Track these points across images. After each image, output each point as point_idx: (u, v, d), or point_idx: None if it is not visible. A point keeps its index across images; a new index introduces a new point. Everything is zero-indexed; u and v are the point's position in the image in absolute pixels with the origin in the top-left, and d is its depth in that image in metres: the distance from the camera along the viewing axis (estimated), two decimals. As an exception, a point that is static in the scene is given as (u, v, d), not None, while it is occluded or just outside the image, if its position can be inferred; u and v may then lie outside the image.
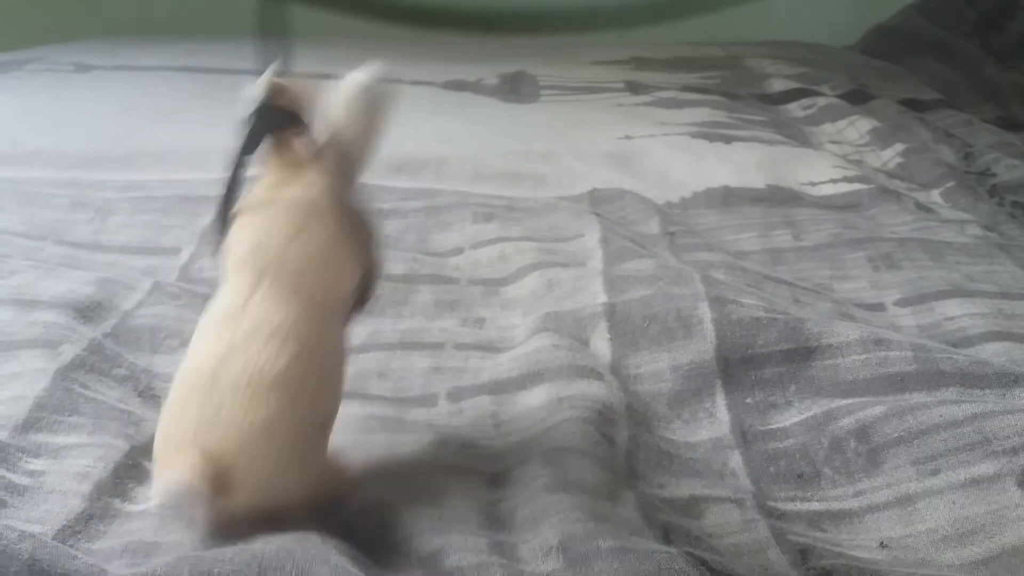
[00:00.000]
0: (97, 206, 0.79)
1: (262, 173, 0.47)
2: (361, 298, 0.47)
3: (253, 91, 0.46)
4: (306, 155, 0.46)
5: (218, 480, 0.40)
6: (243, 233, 0.45)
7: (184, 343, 0.59)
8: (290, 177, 0.46)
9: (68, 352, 0.54)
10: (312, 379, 0.43)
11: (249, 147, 0.46)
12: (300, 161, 0.46)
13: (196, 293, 0.65)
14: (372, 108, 0.47)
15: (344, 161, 0.46)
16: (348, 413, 0.53)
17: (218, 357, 0.42)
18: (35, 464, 0.46)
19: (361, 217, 0.47)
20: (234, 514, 0.41)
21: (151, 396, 0.54)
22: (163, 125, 1.00)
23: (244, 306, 0.43)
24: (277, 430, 0.41)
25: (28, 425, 0.48)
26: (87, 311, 0.59)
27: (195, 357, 0.43)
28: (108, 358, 0.55)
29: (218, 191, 0.46)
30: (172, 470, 0.40)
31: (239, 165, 0.46)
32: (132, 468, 0.47)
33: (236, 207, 0.46)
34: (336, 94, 0.47)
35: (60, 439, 0.47)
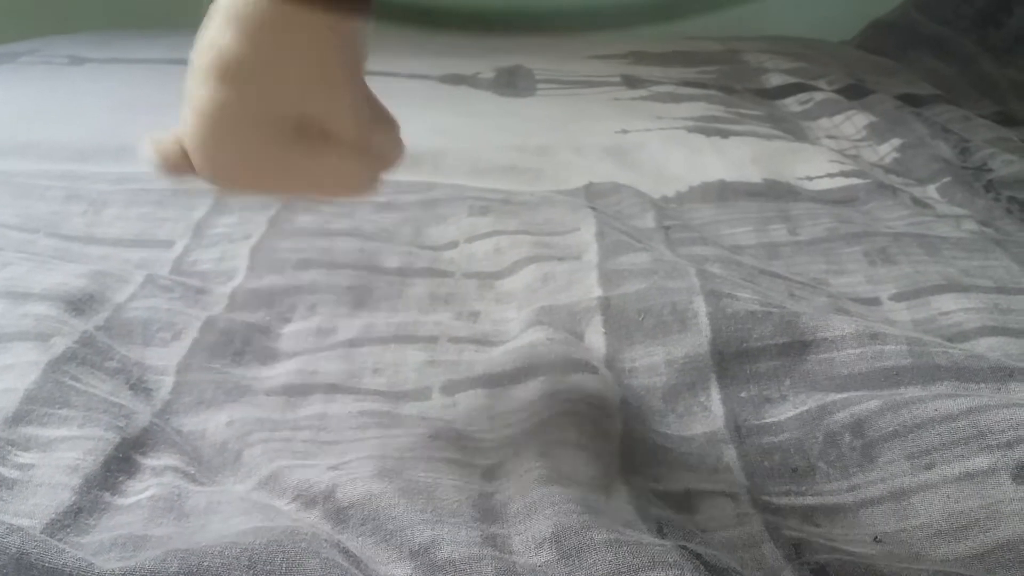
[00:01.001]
0: (91, 199, 0.79)
1: None
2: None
3: None
4: None
5: (179, 157, 0.41)
6: None
7: (176, 336, 0.59)
8: None
9: (59, 344, 0.53)
10: (259, 68, 0.40)
11: None
12: None
13: (189, 286, 0.65)
14: None
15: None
16: (340, 408, 0.53)
17: (199, 37, 0.41)
18: (24, 457, 0.45)
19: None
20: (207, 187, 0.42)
21: (143, 389, 0.54)
22: (157, 118, 0.99)
23: None
24: (218, 115, 0.41)
25: (18, 418, 0.47)
26: (79, 304, 0.59)
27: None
28: (100, 351, 0.55)
29: None
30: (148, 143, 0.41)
31: None
32: (123, 461, 0.46)
33: None
34: None
35: (50, 432, 0.47)
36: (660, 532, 0.42)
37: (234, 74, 0.40)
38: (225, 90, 0.41)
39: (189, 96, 0.42)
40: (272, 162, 0.42)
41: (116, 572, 0.36)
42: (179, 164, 0.43)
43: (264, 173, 0.43)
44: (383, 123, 0.46)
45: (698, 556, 0.39)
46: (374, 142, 0.44)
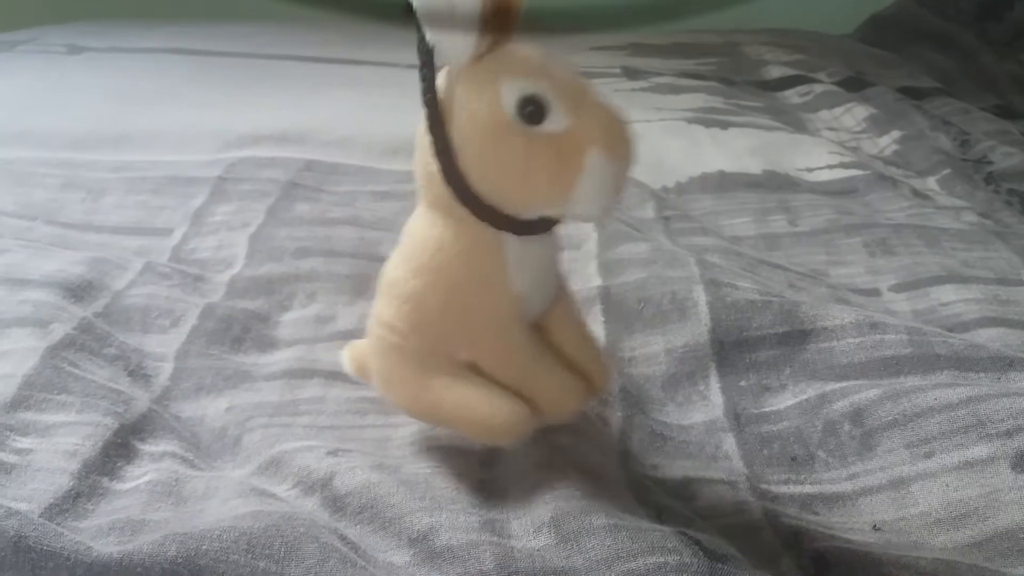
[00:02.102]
0: (89, 186, 0.79)
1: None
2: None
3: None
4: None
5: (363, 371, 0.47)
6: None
7: (175, 323, 0.59)
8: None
9: (58, 331, 0.53)
10: (427, 306, 0.43)
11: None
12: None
13: (187, 273, 0.65)
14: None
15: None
16: (339, 394, 0.53)
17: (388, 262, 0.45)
18: (23, 442, 0.45)
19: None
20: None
21: (141, 375, 0.54)
22: (156, 106, 1.00)
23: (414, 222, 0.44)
24: (379, 346, 0.44)
25: (16, 403, 0.47)
26: (78, 290, 0.59)
27: None
28: (98, 337, 0.55)
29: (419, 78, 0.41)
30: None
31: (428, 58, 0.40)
32: (121, 447, 0.46)
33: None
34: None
35: (48, 417, 0.47)
36: (659, 518, 0.42)
37: (409, 316, 0.43)
38: (401, 333, 0.43)
39: (376, 326, 0.45)
40: (430, 398, 0.44)
41: (114, 556, 0.36)
42: (367, 373, 0.47)
43: (423, 405, 0.44)
44: (574, 355, 0.45)
45: (697, 542, 0.39)
46: (532, 384, 0.43)
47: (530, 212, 0.41)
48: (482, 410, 0.42)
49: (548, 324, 0.44)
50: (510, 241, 0.41)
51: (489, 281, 0.42)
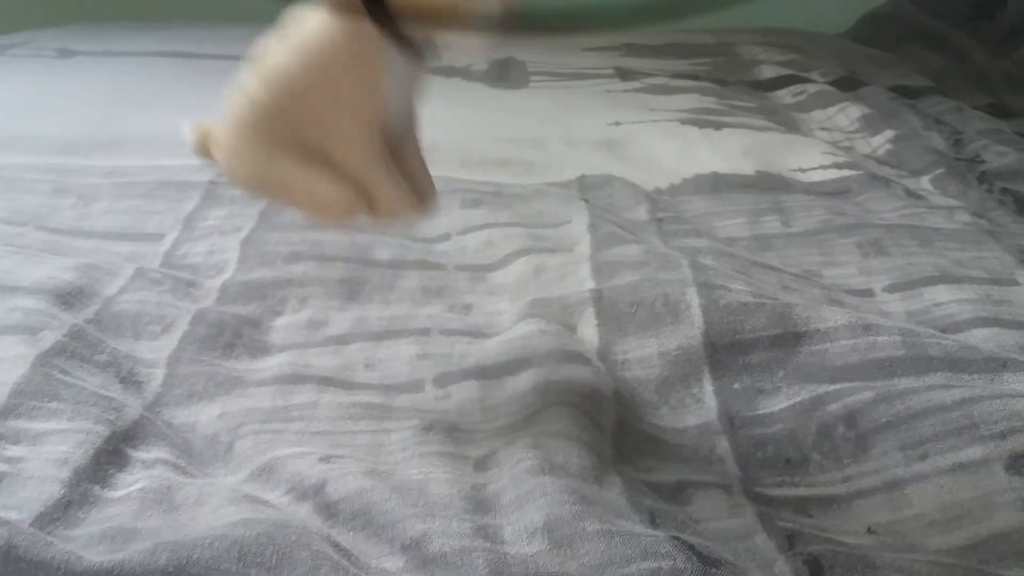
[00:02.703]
0: (80, 192, 0.79)
1: None
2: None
3: None
4: None
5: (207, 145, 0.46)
6: None
7: (166, 329, 0.59)
8: None
9: (48, 338, 0.53)
10: (287, 85, 0.44)
11: None
12: None
13: (179, 279, 0.65)
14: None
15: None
16: (332, 400, 0.53)
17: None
18: (13, 451, 0.45)
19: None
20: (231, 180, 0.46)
21: (133, 382, 0.54)
22: (147, 111, 0.99)
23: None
24: (237, 119, 0.44)
25: (6, 412, 0.47)
26: (68, 297, 0.59)
27: None
28: (89, 344, 0.55)
29: None
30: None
31: None
32: (113, 454, 0.46)
33: None
34: None
35: (39, 425, 0.47)
36: (653, 523, 0.42)
37: (273, 84, 0.44)
38: (261, 96, 0.44)
39: (234, 92, 0.45)
40: (272, 170, 0.46)
41: (105, 565, 0.36)
42: (209, 150, 0.48)
43: (263, 178, 0.46)
44: (412, 178, 0.49)
45: (691, 547, 0.39)
46: (375, 184, 0.47)
47: (436, 28, 0.43)
48: (322, 188, 0.45)
49: (397, 151, 0.48)
50: (392, 54, 0.44)
51: (366, 78, 0.44)
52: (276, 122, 0.44)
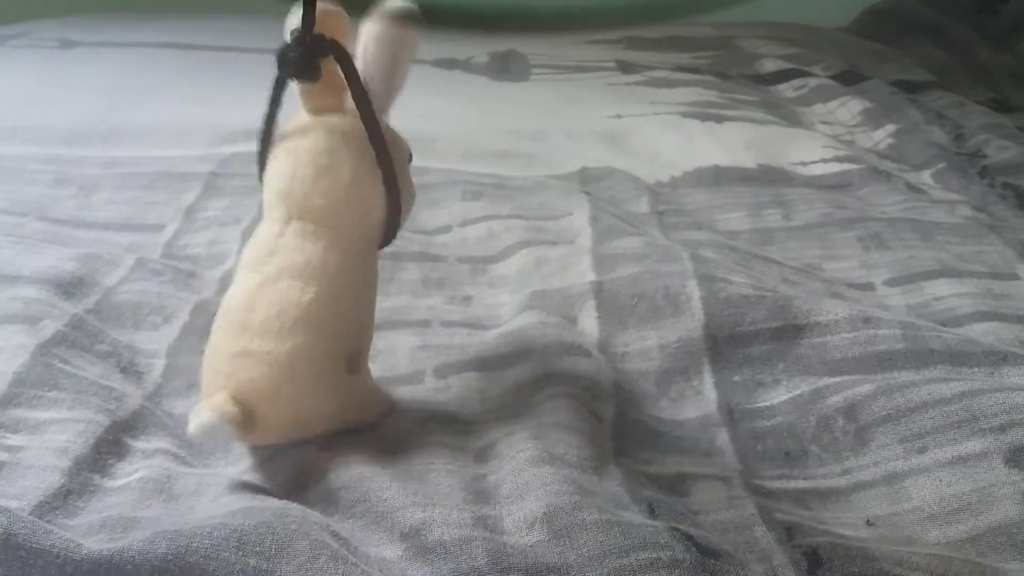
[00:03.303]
0: (80, 182, 0.79)
1: (301, 101, 0.48)
2: (387, 231, 0.49)
3: (295, 17, 0.46)
4: (341, 85, 0.47)
5: (246, 416, 0.43)
6: (275, 167, 0.47)
7: (167, 319, 0.59)
8: (326, 106, 0.47)
9: (49, 328, 0.53)
10: (335, 314, 0.45)
11: (291, 75, 0.47)
12: (337, 90, 0.47)
13: (179, 269, 0.65)
14: (398, 43, 0.47)
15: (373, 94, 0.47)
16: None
17: (250, 296, 0.45)
18: (13, 440, 0.45)
19: (388, 150, 0.47)
20: (264, 444, 0.45)
21: (133, 372, 0.54)
22: (148, 101, 0.99)
23: (275, 244, 0.46)
24: (300, 365, 0.44)
25: (7, 400, 0.47)
26: (69, 287, 0.59)
27: (230, 296, 0.46)
28: (90, 334, 0.55)
29: (260, 122, 0.48)
30: (203, 409, 0.43)
31: (278, 94, 0.47)
32: (112, 443, 0.46)
33: (274, 137, 0.48)
34: (364, 28, 0.47)
35: (39, 414, 0.47)
36: (652, 514, 0.42)
37: (312, 321, 0.45)
38: (304, 338, 0.44)
39: (251, 351, 0.44)
40: (332, 398, 0.47)
41: (104, 553, 0.36)
42: (246, 422, 0.44)
43: (320, 411, 0.47)
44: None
45: (689, 538, 0.39)
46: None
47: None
48: (378, 394, 0.50)
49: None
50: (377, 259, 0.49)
51: (371, 283, 0.49)
52: (343, 352, 0.47)
